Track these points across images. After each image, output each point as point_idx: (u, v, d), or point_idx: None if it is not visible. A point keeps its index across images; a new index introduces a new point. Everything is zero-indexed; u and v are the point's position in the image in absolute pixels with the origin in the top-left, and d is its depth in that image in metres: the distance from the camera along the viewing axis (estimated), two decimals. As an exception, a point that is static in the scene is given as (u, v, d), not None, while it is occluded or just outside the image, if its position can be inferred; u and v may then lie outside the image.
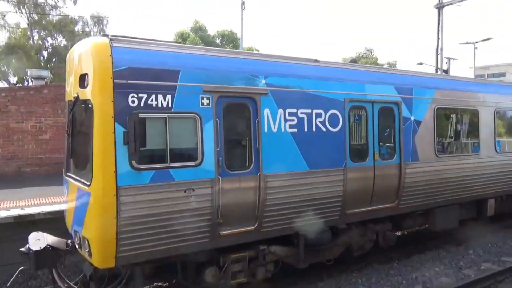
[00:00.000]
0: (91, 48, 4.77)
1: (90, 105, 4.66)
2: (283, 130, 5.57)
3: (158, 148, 4.78)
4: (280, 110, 5.55)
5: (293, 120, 5.68)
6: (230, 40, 34.09)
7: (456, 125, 8.00)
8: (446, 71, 23.57)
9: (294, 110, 5.69)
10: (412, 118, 7.05)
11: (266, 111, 5.41)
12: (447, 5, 22.19)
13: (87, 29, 32.43)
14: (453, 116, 7.98)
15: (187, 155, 4.98)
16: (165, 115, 4.73)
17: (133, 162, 4.51)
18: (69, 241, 5.36)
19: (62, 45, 31.43)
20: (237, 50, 6.66)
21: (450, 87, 8.05)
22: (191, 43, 31.68)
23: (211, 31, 35.86)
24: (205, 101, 5.00)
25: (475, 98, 8.26)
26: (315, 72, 6.19)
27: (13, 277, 5.83)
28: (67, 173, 5.60)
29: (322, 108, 5.98)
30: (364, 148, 6.56)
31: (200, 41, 32.15)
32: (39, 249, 5.02)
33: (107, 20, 33.69)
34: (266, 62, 5.88)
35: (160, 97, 4.72)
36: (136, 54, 4.81)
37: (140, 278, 5.26)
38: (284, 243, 5.89)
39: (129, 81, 4.55)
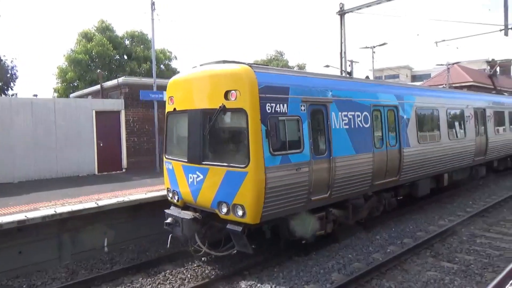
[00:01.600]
0: (242, 72, 6.68)
1: (243, 112, 6.49)
2: (341, 126, 7.93)
3: (283, 140, 6.68)
4: (340, 113, 7.93)
5: (346, 120, 8.07)
6: (141, 41, 32.65)
7: (427, 120, 11.21)
8: (350, 73, 25.48)
9: (346, 113, 8.08)
10: (405, 117, 9.89)
11: (333, 114, 7.76)
12: (348, 12, 24.03)
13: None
14: (426, 114, 11.13)
15: (296, 145, 6.97)
16: (284, 118, 6.79)
17: (271, 150, 6.48)
18: (197, 214, 7.23)
19: None
20: (316, 72, 9.62)
21: (423, 94, 11.66)
22: (97, 43, 29.74)
23: (119, 31, 33.97)
24: (302, 107, 7.19)
25: (436, 102, 11.65)
26: (355, 86, 9.12)
27: (169, 241, 7.75)
28: (203, 162, 7.11)
29: (360, 110, 8.47)
30: (380, 138, 9.10)
31: (108, 42, 30.27)
32: (189, 218, 7.05)
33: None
34: (331, 80, 8.58)
35: (281, 105, 6.81)
36: (267, 77, 6.87)
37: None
38: (339, 207, 8.13)
39: (266, 95, 6.59)
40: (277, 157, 6.61)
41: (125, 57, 32.78)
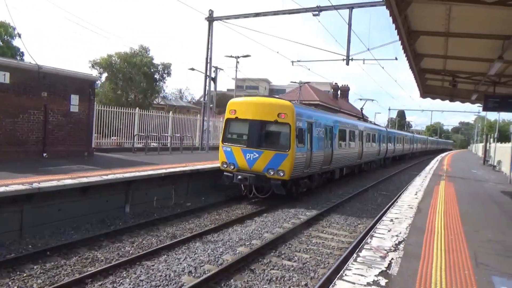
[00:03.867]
0: (289, 105, 12.94)
1: (288, 125, 12.55)
2: (315, 135, 14.56)
3: (301, 140, 13.05)
4: (315, 128, 14.64)
5: (317, 132, 14.80)
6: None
7: (342, 136, 18.76)
8: (214, 79, 26.09)
9: (318, 128, 14.92)
10: (335, 133, 17.19)
11: (314, 128, 14.40)
12: (216, 19, 24.65)
13: None
14: (341, 131, 18.62)
15: (303, 143, 13.26)
16: (302, 129, 13.22)
17: (298, 144, 12.64)
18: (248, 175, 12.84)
19: None
20: (308, 107, 17.64)
21: (341, 120, 19.69)
22: None
23: None
24: (306, 124, 13.60)
25: (346, 125, 19.68)
26: (320, 114, 17.07)
27: (224, 177, 13.31)
28: (259, 147, 12.77)
29: (322, 128, 15.41)
30: (326, 143, 16.12)
31: None
32: (254, 176, 12.65)
33: None
34: (313, 111, 16.22)
35: (301, 123, 13.13)
36: (297, 108, 13.23)
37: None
38: (309, 178, 14.90)
39: (297, 117, 12.65)
40: (299, 148, 12.90)
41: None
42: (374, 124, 33.60)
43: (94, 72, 35.24)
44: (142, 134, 20.08)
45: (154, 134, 20.79)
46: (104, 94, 36.48)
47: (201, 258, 7.78)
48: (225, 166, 13.40)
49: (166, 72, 39.94)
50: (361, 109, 32.50)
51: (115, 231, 9.19)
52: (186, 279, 6.75)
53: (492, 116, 66.52)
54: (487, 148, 35.41)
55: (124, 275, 6.77)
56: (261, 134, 12.96)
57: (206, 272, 7.04)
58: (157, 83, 40.42)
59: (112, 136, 19.33)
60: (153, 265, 7.26)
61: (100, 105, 18.66)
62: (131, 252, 8.00)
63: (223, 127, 14.00)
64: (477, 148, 60.15)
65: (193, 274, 6.96)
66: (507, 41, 8.26)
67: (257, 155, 12.71)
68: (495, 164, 28.56)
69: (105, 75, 37.37)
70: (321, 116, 16.05)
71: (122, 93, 37.43)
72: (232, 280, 6.82)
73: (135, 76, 36.89)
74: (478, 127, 72.92)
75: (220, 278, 6.82)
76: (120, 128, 19.60)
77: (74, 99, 14.28)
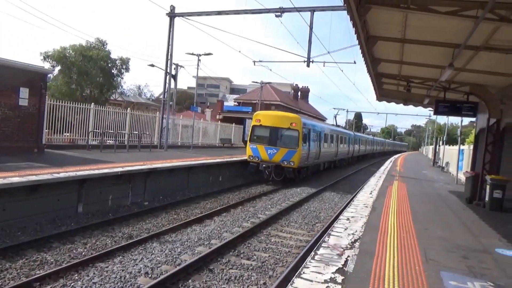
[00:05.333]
0: (297, 117, 19.54)
1: (296, 130, 18.77)
2: (312, 138, 20.99)
3: (304, 140, 19.71)
4: (312, 133, 21.08)
5: (313, 135, 21.14)
6: None
7: (327, 138, 25.22)
8: (174, 76, 25.61)
9: (314, 133, 21.64)
10: (322, 136, 23.51)
11: (311, 133, 20.76)
12: (178, 15, 24.22)
13: None
14: (327, 135, 25.35)
15: (306, 142, 19.88)
16: (305, 133, 19.78)
17: (302, 143, 18.94)
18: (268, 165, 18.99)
19: None
20: (308, 117, 24.26)
21: (326, 126, 27.23)
22: None
23: None
24: (307, 130, 20.13)
25: (328, 131, 26.02)
26: (315, 122, 24.34)
27: (250, 167, 19.23)
28: (276, 146, 18.92)
29: (316, 132, 22.16)
30: (316, 143, 22.24)
31: None
32: (274, 165, 18.72)
33: None
34: (310, 121, 22.75)
35: (305, 129, 19.73)
36: (303, 119, 19.91)
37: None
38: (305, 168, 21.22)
39: (303, 126, 19.20)
40: (303, 146, 18.83)
41: None
42: (344, 128, 41.11)
43: (47, 65, 33.41)
44: (97, 131, 19.32)
45: (110, 131, 20.06)
46: (57, 88, 34.77)
47: (158, 258, 7.59)
48: (252, 158, 19.29)
49: (124, 67, 38.71)
50: (335, 116, 39.42)
51: (67, 231, 8.76)
52: (143, 280, 6.55)
53: (442, 120, 70.37)
54: (437, 150, 37.38)
55: (76, 277, 6.46)
56: (278, 136, 19.13)
57: (164, 272, 6.88)
58: (115, 79, 39.07)
59: (65, 132, 18.44)
60: (107, 267, 6.99)
61: (53, 100, 17.72)
62: (83, 253, 7.66)
63: (250, 131, 20.05)
64: (428, 150, 63.35)
65: (150, 275, 6.78)
66: (457, 50, 8.73)
67: (275, 151, 18.86)
68: (443, 165, 30.21)
69: (58, 68, 35.59)
70: (315, 124, 23.08)
71: (76, 88, 35.82)
72: (191, 281, 6.71)
73: (91, 70, 35.43)
74: (429, 130, 76.80)
75: (178, 279, 6.69)
76: (73, 124, 18.74)
77: (24, 92, 13.48)
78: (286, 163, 18.44)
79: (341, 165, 32.79)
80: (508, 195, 11.30)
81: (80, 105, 19.30)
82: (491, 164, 12.42)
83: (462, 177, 18.49)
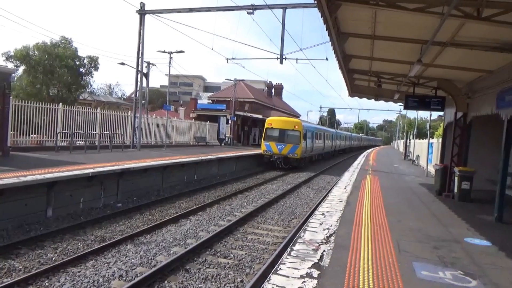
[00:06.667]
0: (299, 121, 29.07)
1: (299, 131, 26.71)
2: (308, 137, 29.13)
3: (304, 138, 28.28)
4: (308, 133, 28.96)
5: (309, 135, 29.22)
6: None
7: (317, 136, 33.79)
8: (146, 75, 25.14)
9: (310, 133, 29.79)
10: (314, 134, 31.42)
11: (307, 133, 29.32)
12: (149, 13, 23.77)
13: None
14: (317, 134, 33.46)
15: (305, 139, 28.27)
16: (305, 133, 28.16)
17: (303, 140, 27.01)
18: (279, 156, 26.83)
19: None
20: (306, 121, 34.21)
21: (316, 127, 36.39)
22: None
23: None
24: (306, 131, 28.58)
25: (318, 130, 34.74)
26: (311, 125, 35.04)
27: (265, 158, 26.86)
28: (284, 142, 26.51)
29: (312, 132, 30.89)
30: (311, 140, 30.14)
31: None
32: (283, 157, 26.30)
33: None
34: (307, 123, 35.09)
35: (304, 131, 28.06)
36: (304, 122, 30.39)
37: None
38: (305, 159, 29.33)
39: (303, 128, 27.43)
40: (303, 142, 26.74)
41: None
42: (328, 127, 51.70)
43: (10, 65, 32.00)
44: (66, 131, 18.72)
45: (80, 131, 19.48)
46: (22, 88, 33.43)
47: (132, 261, 7.43)
48: (266, 152, 26.59)
49: (93, 65, 37.61)
50: (320, 117, 46.49)
51: (36, 237, 8.44)
52: (117, 283, 6.39)
53: (412, 114, 72.31)
54: (407, 144, 38.42)
55: (46, 284, 6.23)
56: (285, 135, 26.45)
57: (138, 275, 6.73)
58: (84, 77, 37.90)
59: (32, 134, 17.76)
60: (79, 272, 6.78)
61: (17, 100, 17.01)
62: (54, 259, 7.40)
63: (264, 132, 27.42)
64: (399, 144, 65.06)
65: (124, 278, 6.62)
66: (425, 46, 8.94)
67: (283, 146, 26.12)
68: (414, 159, 31.10)
69: (23, 68, 34.19)
70: (310, 125, 32.77)
71: (42, 87, 34.51)
72: (166, 282, 6.60)
73: (57, 69, 34.24)
74: (399, 124, 78.85)
75: (154, 281, 6.57)
76: (41, 125, 18.07)
77: (-14, 92, 12.87)
78: (291, 155, 26.02)
79: (327, 157, 41.27)
80: (475, 186, 11.73)
81: (47, 105, 18.64)
82: (459, 157, 12.86)
83: (432, 169, 19.06)
